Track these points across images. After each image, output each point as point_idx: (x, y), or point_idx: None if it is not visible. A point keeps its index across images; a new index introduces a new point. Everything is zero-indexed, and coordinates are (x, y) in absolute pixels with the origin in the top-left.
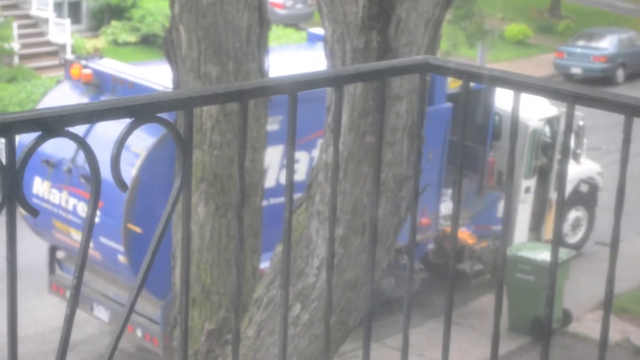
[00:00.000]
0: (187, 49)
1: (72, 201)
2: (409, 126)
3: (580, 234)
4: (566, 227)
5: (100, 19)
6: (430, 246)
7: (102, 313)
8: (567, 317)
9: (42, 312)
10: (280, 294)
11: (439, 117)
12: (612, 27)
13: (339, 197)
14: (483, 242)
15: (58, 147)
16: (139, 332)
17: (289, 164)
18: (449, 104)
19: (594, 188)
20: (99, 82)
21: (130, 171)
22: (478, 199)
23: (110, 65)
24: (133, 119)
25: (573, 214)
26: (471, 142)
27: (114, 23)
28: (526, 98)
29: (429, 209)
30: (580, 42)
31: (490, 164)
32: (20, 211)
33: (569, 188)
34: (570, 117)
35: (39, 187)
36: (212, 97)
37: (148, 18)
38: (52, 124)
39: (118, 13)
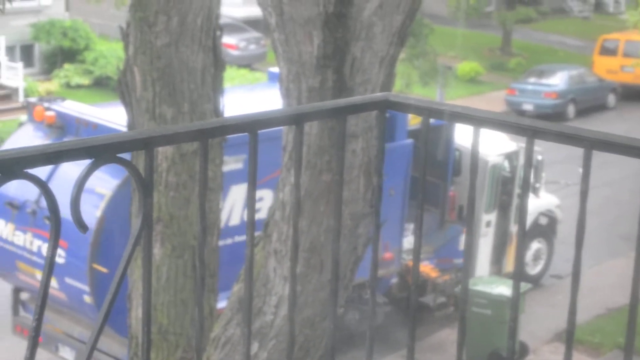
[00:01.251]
0: (142, 91)
1: (37, 243)
2: (365, 164)
3: (540, 265)
4: (528, 258)
5: (53, 62)
6: (394, 280)
7: (67, 353)
8: (523, 350)
9: (6, 354)
10: (239, 333)
11: (401, 153)
12: (562, 64)
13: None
14: (446, 275)
15: (21, 189)
16: None
17: (250, 202)
18: (410, 140)
19: (553, 221)
20: (63, 124)
21: (94, 212)
22: (440, 233)
23: (73, 107)
24: (93, 159)
25: (534, 246)
26: (432, 177)
27: (66, 66)
28: (485, 134)
29: (391, 244)
30: (531, 79)
31: (451, 199)
32: None
33: (529, 221)
34: (529, 151)
35: (3, 229)
36: (173, 137)
37: (101, 60)
38: (11, 166)
39: (71, 56)
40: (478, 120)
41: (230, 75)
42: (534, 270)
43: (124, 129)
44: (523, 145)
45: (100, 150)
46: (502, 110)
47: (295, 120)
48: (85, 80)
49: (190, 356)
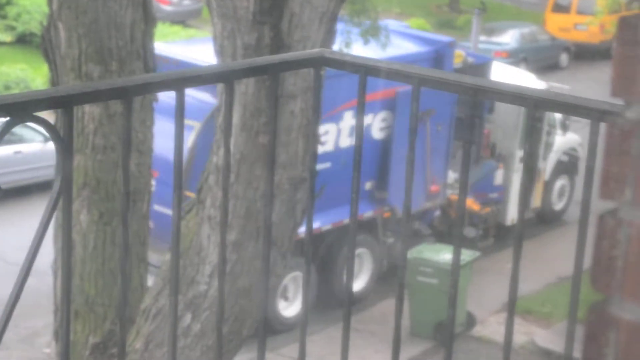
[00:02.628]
0: (67, 48)
1: None
2: (303, 126)
3: (564, 201)
4: (553, 195)
5: None
6: (437, 213)
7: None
8: (470, 320)
9: None
10: (169, 303)
11: (447, 92)
12: (513, 22)
13: (231, 200)
14: (486, 207)
15: None
16: None
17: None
18: None
19: (575, 159)
20: None
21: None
22: (476, 169)
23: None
24: (9, 118)
25: (558, 183)
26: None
27: None
28: (514, 72)
29: (437, 178)
30: (481, 38)
31: (485, 136)
32: None
33: (554, 159)
34: (474, 108)
35: None
36: (94, 95)
37: (24, 16)
38: None
39: None
40: (417, 78)
41: (163, 32)
42: (558, 206)
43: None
44: (553, 84)
45: (17, 108)
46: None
47: (225, 77)
48: (8, 37)
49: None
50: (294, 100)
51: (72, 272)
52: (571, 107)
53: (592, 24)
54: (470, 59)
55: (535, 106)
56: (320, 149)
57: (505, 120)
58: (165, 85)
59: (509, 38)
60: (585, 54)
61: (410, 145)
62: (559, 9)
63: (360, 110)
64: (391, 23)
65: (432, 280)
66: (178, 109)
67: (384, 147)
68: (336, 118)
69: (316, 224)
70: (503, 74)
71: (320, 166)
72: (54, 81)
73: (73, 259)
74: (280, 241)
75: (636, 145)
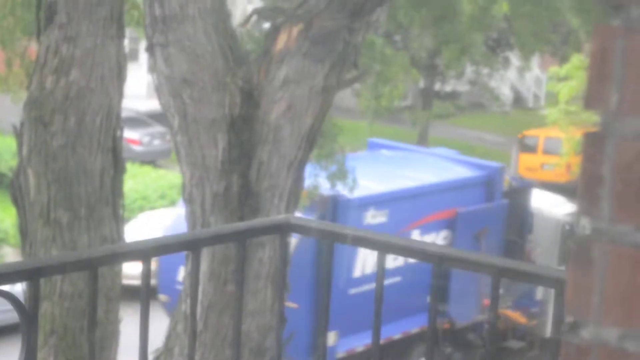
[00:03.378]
0: (36, 194)
1: None
2: (272, 274)
3: None
4: None
5: None
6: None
7: None
8: None
9: None
10: None
11: (498, 213)
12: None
13: (199, 349)
14: (533, 320)
15: None
16: None
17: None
18: (505, 201)
19: None
20: None
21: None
22: (520, 285)
23: None
24: None
25: None
26: (512, 235)
27: None
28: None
29: (487, 293)
30: None
31: (526, 254)
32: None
33: None
34: (436, 279)
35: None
36: (60, 267)
37: None
38: None
39: None
40: (382, 244)
41: (132, 172)
42: None
43: None
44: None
45: None
46: None
47: (192, 246)
48: None
49: None
50: (262, 249)
51: None
52: (534, 277)
53: (558, 165)
54: (514, 183)
55: (499, 274)
56: (392, 264)
57: (544, 239)
58: (131, 255)
59: None
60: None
61: (376, 311)
62: (526, 148)
63: (327, 275)
64: (441, 151)
65: None
66: (143, 278)
67: None
68: (406, 235)
69: (387, 333)
70: (541, 198)
71: (389, 280)
72: (22, 227)
73: None
74: None
75: None
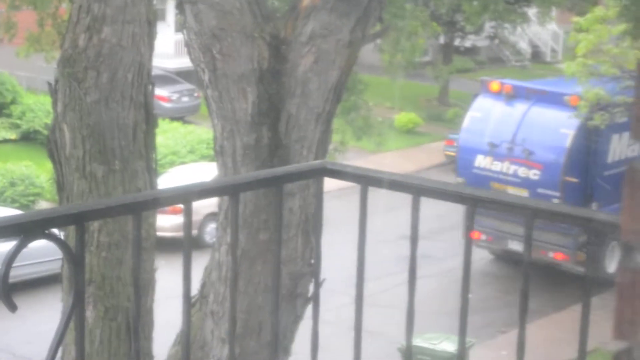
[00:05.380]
0: (72, 148)
1: (513, 167)
2: (302, 222)
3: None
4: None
5: None
6: None
7: (515, 246)
8: None
9: None
10: None
11: None
12: None
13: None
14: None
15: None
16: None
17: (186, 271)
18: None
19: None
20: (515, 93)
21: (564, 143)
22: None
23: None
24: (22, 236)
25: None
26: None
27: None
28: None
29: None
30: None
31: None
32: None
33: None
34: (470, 220)
35: (482, 161)
36: (105, 211)
37: (28, 114)
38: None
39: None
40: (417, 188)
41: (162, 128)
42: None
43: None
44: None
45: (29, 226)
46: (442, 162)
47: (231, 191)
48: (12, 135)
49: None
50: (292, 198)
51: None
52: (566, 216)
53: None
54: None
55: (535, 216)
56: None
57: None
58: (173, 199)
59: None
60: None
61: (412, 255)
62: None
63: (363, 218)
64: None
65: None
66: (186, 220)
67: None
68: None
69: None
70: None
71: None
72: (59, 181)
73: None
74: (282, 335)
75: None
